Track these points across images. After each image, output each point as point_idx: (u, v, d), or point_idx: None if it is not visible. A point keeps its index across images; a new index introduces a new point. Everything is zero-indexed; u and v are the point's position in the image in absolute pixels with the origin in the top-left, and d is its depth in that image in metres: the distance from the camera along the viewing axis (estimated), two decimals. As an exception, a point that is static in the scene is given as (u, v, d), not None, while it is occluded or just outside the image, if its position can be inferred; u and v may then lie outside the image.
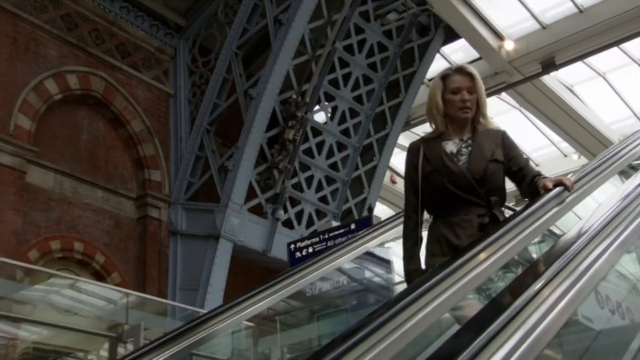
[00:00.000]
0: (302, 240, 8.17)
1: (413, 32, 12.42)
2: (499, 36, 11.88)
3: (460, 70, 2.82)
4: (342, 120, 11.81)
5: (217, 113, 10.94)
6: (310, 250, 7.63)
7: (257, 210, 10.69)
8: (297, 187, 11.18)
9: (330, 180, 11.74)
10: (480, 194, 2.70)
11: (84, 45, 10.20)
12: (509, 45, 11.84)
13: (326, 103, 11.63)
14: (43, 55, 9.60)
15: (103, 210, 10.04)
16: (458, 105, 2.75)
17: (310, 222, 11.33)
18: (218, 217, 10.13)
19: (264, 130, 10.56)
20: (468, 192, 2.70)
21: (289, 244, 8.29)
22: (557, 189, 2.61)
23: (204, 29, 11.55)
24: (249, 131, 10.38)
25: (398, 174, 15.73)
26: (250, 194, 10.57)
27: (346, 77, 11.67)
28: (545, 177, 2.69)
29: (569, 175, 2.94)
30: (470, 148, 2.76)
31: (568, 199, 2.65)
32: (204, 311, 4.59)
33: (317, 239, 7.84)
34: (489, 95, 13.16)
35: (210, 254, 10.07)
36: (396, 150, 13.07)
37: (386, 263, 4.52)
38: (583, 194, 2.90)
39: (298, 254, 7.79)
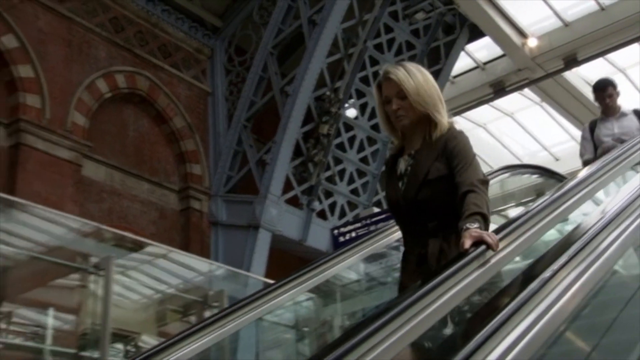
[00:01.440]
0: (344, 225, 8.71)
1: (439, 30, 12.93)
2: (522, 34, 12.35)
3: (384, 75, 2.47)
4: (372, 115, 12.34)
5: (254, 110, 11.50)
6: (354, 234, 8.17)
7: (293, 202, 11.25)
8: (331, 179, 11.72)
9: (361, 173, 12.28)
10: (419, 222, 2.36)
11: (130, 46, 10.80)
12: (532, 43, 12.31)
13: (357, 99, 12.17)
14: (94, 57, 10.21)
15: (149, 202, 10.64)
16: (392, 116, 2.45)
17: (342, 213, 11.86)
18: (257, 208, 10.69)
19: (300, 125, 11.11)
20: (410, 222, 2.41)
21: (332, 229, 8.82)
22: (478, 251, 2.05)
23: (240, 30, 12.12)
24: (286, 126, 10.93)
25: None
26: (287, 187, 11.13)
27: (376, 74, 12.16)
28: (468, 226, 2.12)
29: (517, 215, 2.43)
30: (410, 167, 2.44)
31: (494, 259, 2.11)
32: (271, 281, 5.13)
33: (359, 224, 8.39)
34: (512, 91, 13.69)
35: (250, 243, 10.63)
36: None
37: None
38: (516, 249, 2.28)
39: (341, 239, 8.32)
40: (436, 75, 13.01)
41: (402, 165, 2.46)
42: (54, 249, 5.05)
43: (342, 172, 11.94)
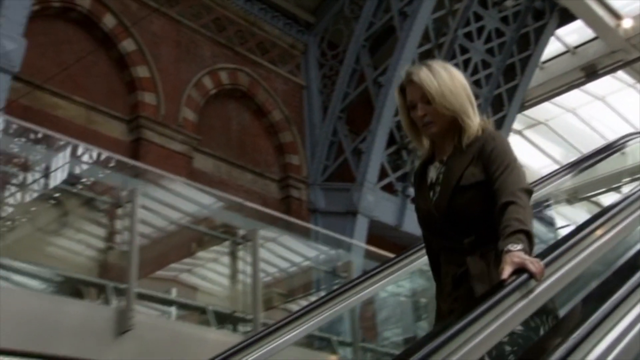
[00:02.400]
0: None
1: (529, 16, 12.96)
2: (616, 15, 12.22)
3: (407, 78, 2.24)
4: (463, 103, 12.54)
5: (347, 101, 11.95)
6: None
7: (388, 189, 11.64)
8: (423, 167, 12.03)
9: (452, 161, 12.51)
10: (454, 237, 2.08)
11: (231, 44, 11.47)
12: (627, 24, 12.17)
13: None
14: (200, 56, 10.93)
15: (253, 192, 11.28)
16: (419, 123, 2.20)
17: (435, 200, 12.14)
18: (355, 195, 11.14)
19: (393, 114, 11.47)
20: (442, 236, 2.13)
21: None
22: (519, 281, 1.80)
23: (332, 25, 12.58)
24: (380, 116, 11.33)
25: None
26: (381, 174, 11.52)
27: (466, 62, 12.40)
28: (510, 249, 1.85)
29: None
30: (442, 174, 2.17)
31: (539, 289, 1.86)
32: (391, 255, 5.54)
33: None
34: (605, 74, 13.53)
35: (349, 229, 11.08)
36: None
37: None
38: (566, 276, 2.00)
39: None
40: (525, 61, 13.08)
41: (433, 173, 2.20)
42: (202, 220, 5.69)
43: (434, 160, 12.21)
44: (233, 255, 5.55)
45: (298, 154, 11.98)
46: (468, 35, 12.36)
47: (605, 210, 2.30)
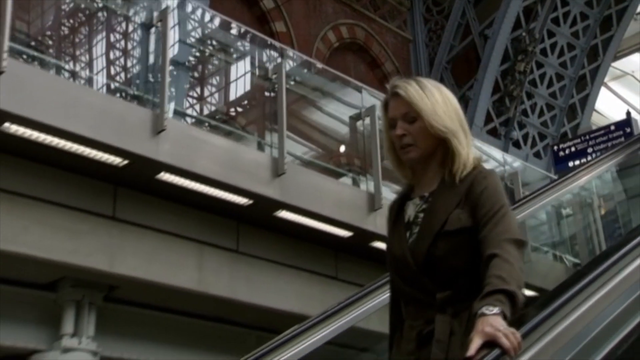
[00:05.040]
0: (564, 142, 10.08)
1: (627, -32, 13.65)
2: None
3: (391, 91, 1.87)
4: (561, 54, 13.43)
5: (453, 53, 13.01)
6: (573, 149, 9.53)
7: (492, 133, 12.70)
8: (523, 113, 13.03)
9: (550, 107, 13.46)
10: (428, 289, 1.76)
11: (349, 1, 12.62)
12: None
13: (548, 39, 13.29)
14: (324, 12, 12.14)
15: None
16: (397, 145, 1.84)
17: (533, 144, 13.15)
18: (463, 138, 12.25)
19: (499, 64, 12.48)
20: (415, 287, 1.79)
21: (551, 146, 10.21)
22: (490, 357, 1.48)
23: (436, -18, 13.59)
24: (486, 66, 12.34)
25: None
26: (486, 119, 12.59)
27: (565, 15, 13.24)
28: (485, 312, 1.54)
29: None
30: (423, 213, 1.84)
31: None
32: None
33: (578, 140, 9.72)
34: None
35: (457, 168, 12.24)
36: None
37: None
38: (548, 349, 1.73)
39: (561, 153, 9.72)
40: (622, 12, 13.80)
41: (412, 210, 1.86)
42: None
43: (533, 106, 13.19)
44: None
45: (407, 102, 13.14)
46: (569, -12, 13.18)
47: (603, 257, 1.99)
